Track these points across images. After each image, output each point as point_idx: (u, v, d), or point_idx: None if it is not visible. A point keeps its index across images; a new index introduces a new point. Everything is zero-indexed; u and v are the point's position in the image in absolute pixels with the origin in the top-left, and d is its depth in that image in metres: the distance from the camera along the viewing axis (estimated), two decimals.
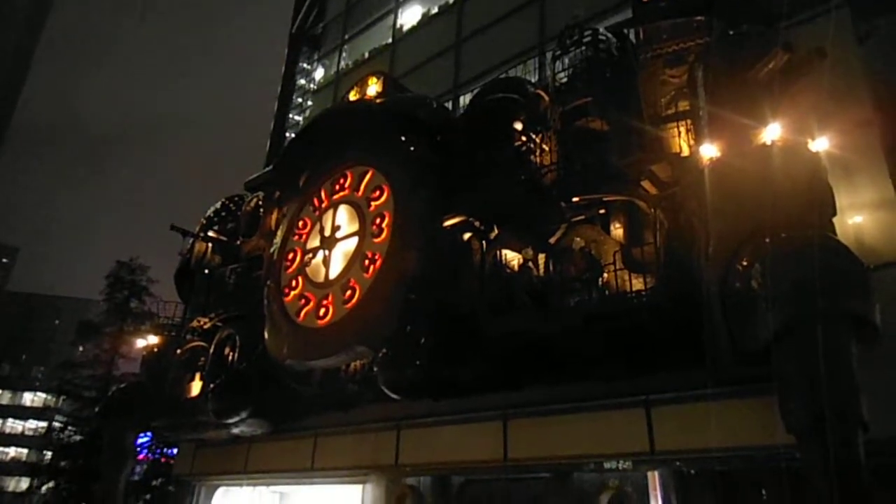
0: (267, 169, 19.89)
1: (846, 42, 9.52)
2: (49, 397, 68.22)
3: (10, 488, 68.24)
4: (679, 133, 9.67)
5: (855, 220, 8.92)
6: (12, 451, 71.90)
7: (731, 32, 9.16)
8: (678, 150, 9.55)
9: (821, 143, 8.43)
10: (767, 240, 7.12)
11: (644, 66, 10.30)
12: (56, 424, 35.77)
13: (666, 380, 8.83)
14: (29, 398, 76.15)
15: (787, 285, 6.68)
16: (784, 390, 6.66)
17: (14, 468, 67.40)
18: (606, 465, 9.60)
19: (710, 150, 8.40)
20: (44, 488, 33.25)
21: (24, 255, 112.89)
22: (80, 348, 38.04)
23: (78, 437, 30.64)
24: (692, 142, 9.36)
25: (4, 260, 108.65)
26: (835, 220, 7.77)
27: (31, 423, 72.36)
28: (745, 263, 7.27)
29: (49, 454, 35.87)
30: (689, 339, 7.80)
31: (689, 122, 9.59)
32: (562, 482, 10.41)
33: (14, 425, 74.08)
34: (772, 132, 8.00)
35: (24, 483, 58.76)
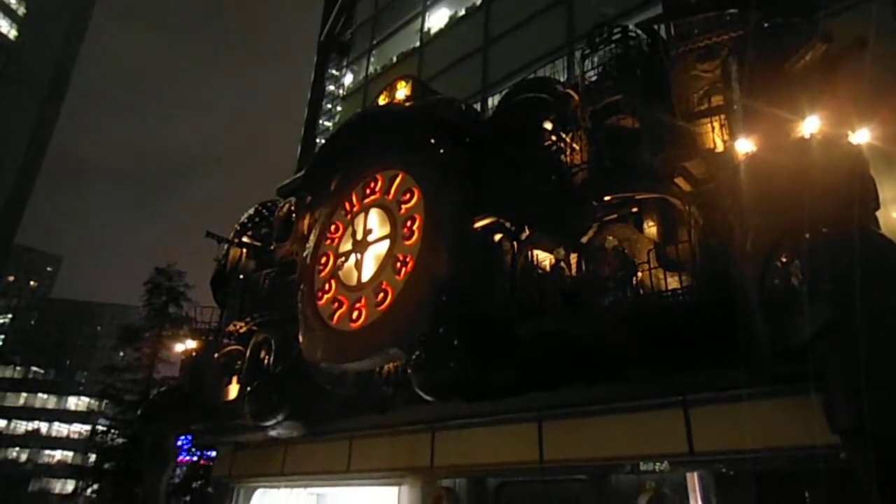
0: (298, 174, 20.16)
1: (888, 29, 9.24)
2: (92, 401, 70.11)
3: (57, 490, 70.43)
4: (713, 128, 9.50)
5: None
6: (58, 455, 74.27)
7: (766, 24, 8.97)
8: (712, 146, 9.39)
9: (862, 135, 8.19)
10: (807, 235, 6.94)
11: (675, 62, 10.15)
12: (99, 428, 36.74)
13: (704, 379, 8.67)
14: (73, 402, 78.51)
15: (829, 281, 6.50)
16: (829, 388, 6.50)
17: (60, 471, 69.59)
18: (643, 467, 9.45)
19: (745, 145, 8.24)
20: (89, 490, 34.19)
21: (66, 263, 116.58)
22: (122, 353, 39.01)
23: (121, 440, 31.42)
24: (726, 137, 9.19)
25: (49, 269, 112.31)
26: (879, 213, 7.54)
27: (76, 427, 74.61)
28: (784, 259, 7.09)
29: (93, 457, 36.87)
30: (727, 338, 7.65)
31: (722, 117, 9.42)
32: (599, 484, 10.30)
33: (60, 429, 76.43)
34: (810, 125, 7.82)
35: (70, 485, 60.60)
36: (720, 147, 9.25)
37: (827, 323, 6.44)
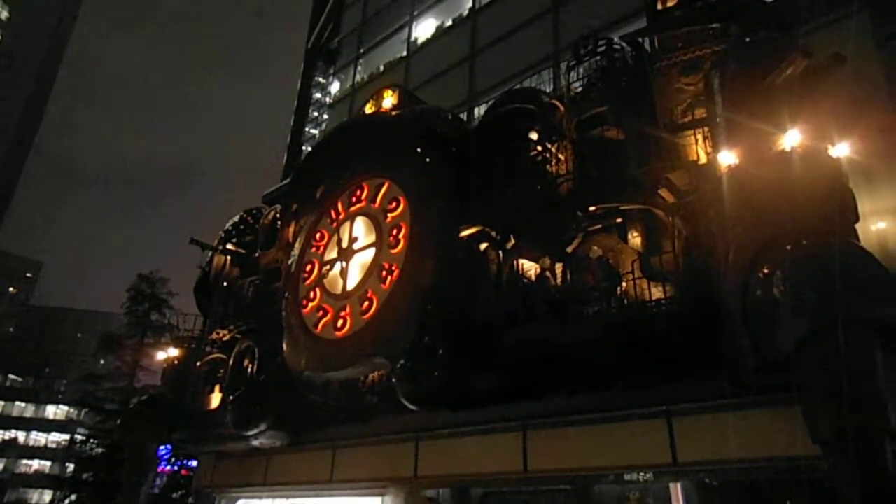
0: (284, 182, 20.09)
1: (866, 46, 9.42)
2: (72, 410, 69.10)
3: (34, 501, 69.03)
4: (696, 141, 9.60)
5: (878, 225, 8.78)
6: (36, 464, 72.81)
7: (748, 39, 9.11)
8: (695, 158, 9.49)
9: (841, 149, 8.31)
10: (788, 247, 7.03)
11: (659, 75, 10.26)
12: (78, 437, 36.18)
13: (687, 389, 8.72)
14: (52, 411, 77.09)
15: (809, 292, 6.58)
16: (808, 399, 6.56)
17: (37, 481, 68.18)
18: (627, 477, 9.48)
19: (728, 157, 8.33)
20: (66, 501, 33.57)
21: (47, 269, 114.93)
22: (102, 361, 38.57)
23: (100, 450, 30.94)
24: (709, 149, 9.30)
25: (28, 275, 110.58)
26: (858, 226, 7.66)
27: (54, 436, 73.27)
28: (766, 271, 7.17)
29: (71, 467, 36.25)
30: (710, 348, 7.71)
31: (705, 129, 9.53)
32: (583, 494, 10.29)
33: (37, 438, 74.98)
34: (791, 138, 7.92)
35: (47, 496, 59.51)
36: (703, 159, 9.35)
37: (807, 334, 6.51)
